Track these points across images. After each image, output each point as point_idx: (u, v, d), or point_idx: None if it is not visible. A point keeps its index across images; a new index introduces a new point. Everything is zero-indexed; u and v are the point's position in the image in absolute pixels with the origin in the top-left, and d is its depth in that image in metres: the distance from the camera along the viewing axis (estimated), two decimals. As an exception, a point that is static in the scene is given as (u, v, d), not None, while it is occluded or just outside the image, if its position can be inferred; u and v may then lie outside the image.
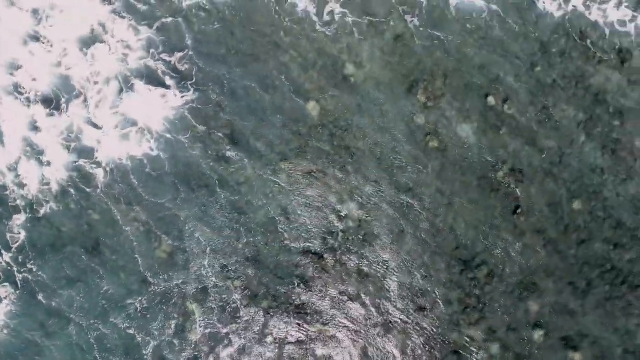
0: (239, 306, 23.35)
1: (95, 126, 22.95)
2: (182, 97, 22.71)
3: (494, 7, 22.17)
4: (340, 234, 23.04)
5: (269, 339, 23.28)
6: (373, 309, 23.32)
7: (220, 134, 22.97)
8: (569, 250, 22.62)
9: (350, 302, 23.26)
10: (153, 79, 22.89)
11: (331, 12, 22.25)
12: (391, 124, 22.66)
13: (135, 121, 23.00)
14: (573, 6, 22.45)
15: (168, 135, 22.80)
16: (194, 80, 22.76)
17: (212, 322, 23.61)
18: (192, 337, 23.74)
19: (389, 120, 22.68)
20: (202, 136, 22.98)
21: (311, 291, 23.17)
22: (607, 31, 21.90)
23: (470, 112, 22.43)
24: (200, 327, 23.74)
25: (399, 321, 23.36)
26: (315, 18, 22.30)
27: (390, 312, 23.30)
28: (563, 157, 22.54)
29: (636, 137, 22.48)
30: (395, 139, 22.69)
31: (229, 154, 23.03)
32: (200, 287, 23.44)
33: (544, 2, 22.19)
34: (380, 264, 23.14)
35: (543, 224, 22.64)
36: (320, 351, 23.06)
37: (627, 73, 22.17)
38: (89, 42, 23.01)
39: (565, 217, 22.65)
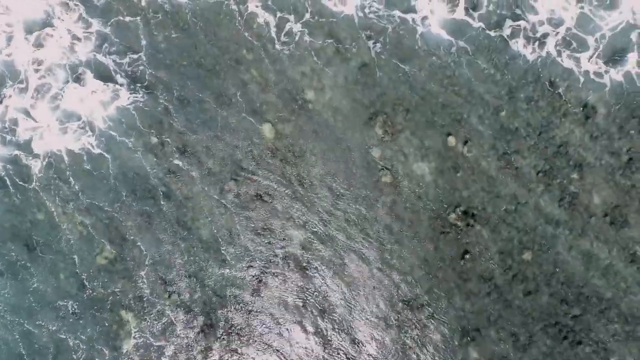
0: (174, 321, 22.72)
1: (33, 116, 22.04)
2: (131, 97, 21.84)
3: (462, 43, 21.55)
4: (281, 261, 22.43)
5: (200, 357, 22.69)
6: (309, 339, 22.79)
7: (170, 145, 22.23)
8: (515, 300, 22.16)
9: (286, 331, 22.71)
10: (102, 74, 21.97)
11: (290, 31, 21.53)
12: (346, 154, 22.02)
13: (77, 115, 22.00)
14: (547, 52, 21.88)
15: (112, 134, 21.95)
16: (145, 84, 21.94)
17: (145, 334, 22.97)
18: (125, 347, 23.10)
19: (344, 150, 22.03)
20: (151, 144, 22.23)
21: (248, 313, 22.57)
22: (580, 81, 21.36)
23: (429, 150, 21.83)
24: (134, 337, 23.10)
25: (334, 353, 22.85)
26: (274, 35, 21.57)
27: (325, 345, 22.77)
28: (519, 206, 22.03)
29: (595, 192, 22.01)
30: (349, 170, 22.05)
31: (178, 165, 22.30)
32: (137, 297, 22.77)
33: (517, 44, 21.59)
34: (319, 295, 22.58)
35: (491, 272, 22.15)
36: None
37: (591, 128, 21.68)
38: (35, 27, 22.04)
39: (514, 266, 22.18)
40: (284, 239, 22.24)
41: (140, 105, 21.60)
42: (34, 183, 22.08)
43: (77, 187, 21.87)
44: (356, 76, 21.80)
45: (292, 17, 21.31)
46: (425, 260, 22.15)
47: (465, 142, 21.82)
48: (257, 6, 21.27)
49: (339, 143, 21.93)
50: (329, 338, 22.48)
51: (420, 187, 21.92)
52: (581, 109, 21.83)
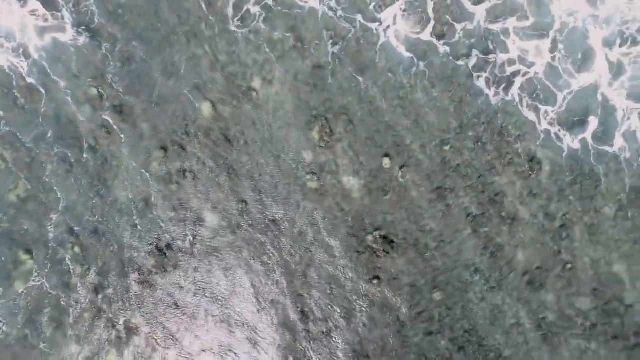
0: (72, 273, 22.30)
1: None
2: (72, 35, 21.17)
3: (422, 66, 20.91)
4: (191, 238, 21.96)
5: (87, 315, 22.27)
6: (194, 319, 22.37)
7: (109, 101, 21.72)
8: (414, 337, 21.64)
9: (176, 308, 22.28)
10: (50, 3, 21.22)
11: (249, 14, 20.94)
12: (279, 150, 21.46)
13: (12, 34, 21.18)
14: (511, 95, 21.23)
15: (47, 69, 21.34)
16: (91, 28, 21.30)
17: (41, 279, 22.55)
18: (18, 288, 22.68)
19: (277, 146, 21.47)
20: (90, 95, 21.70)
21: (144, 283, 22.14)
22: (534, 135, 20.75)
23: (363, 167, 21.23)
24: (33, 280, 22.71)
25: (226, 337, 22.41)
26: (230, 13, 20.98)
27: (210, 329, 22.35)
28: (441, 244, 21.45)
29: (520, 249, 21.42)
30: (278, 167, 21.49)
31: (110, 123, 21.80)
32: (41, 240, 22.32)
33: (482, 81, 20.90)
34: (217, 283, 22.13)
35: (397, 303, 21.62)
36: (136, 340, 22.11)
37: (532, 184, 21.04)
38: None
39: (422, 303, 21.64)
40: (197, 220, 21.75)
41: (80, 47, 21.02)
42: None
43: (0, 113, 21.35)
44: (308, 76, 21.18)
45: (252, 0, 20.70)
46: (332, 276, 21.62)
47: (402, 167, 21.21)
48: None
49: (274, 138, 21.36)
50: (218, 327, 22.05)
51: (344, 200, 21.35)
52: (527, 162, 21.17)
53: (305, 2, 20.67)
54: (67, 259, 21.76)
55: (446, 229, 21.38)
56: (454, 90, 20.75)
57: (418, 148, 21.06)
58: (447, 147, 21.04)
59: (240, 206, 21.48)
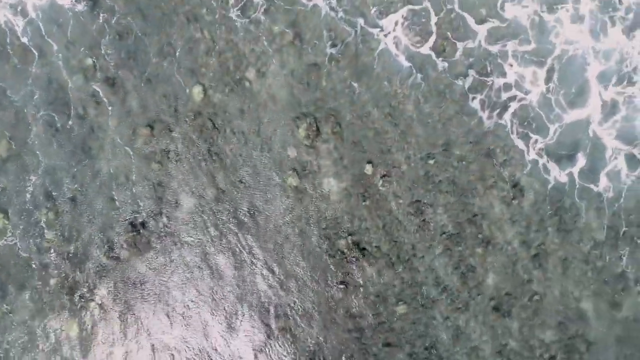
0: (44, 237, 22.32)
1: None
2: (73, 2, 21.16)
3: (419, 78, 20.80)
4: (165, 219, 21.96)
5: (54, 282, 22.30)
6: (158, 300, 22.38)
7: (102, 72, 21.71)
8: (373, 347, 21.60)
9: (142, 287, 22.30)
10: None
11: (251, 1, 20.87)
12: (263, 143, 21.41)
13: None
14: (504, 121, 21.13)
15: (41, 32, 21.32)
16: None
17: (14, 239, 22.58)
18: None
19: (263, 139, 21.42)
20: (85, 64, 21.70)
21: (114, 258, 22.17)
22: (520, 162, 20.65)
23: (345, 170, 21.15)
24: (5, 239, 22.76)
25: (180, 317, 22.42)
26: (232, 0, 20.92)
27: (169, 315, 22.35)
28: (413, 258, 21.38)
29: (491, 273, 21.35)
30: (261, 160, 21.44)
31: (100, 94, 21.79)
32: (18, 201, 22.34)
33: (477, 102, 20.78)
34: (185, 270, 22.13)
35: (361, 310, 21.58)
36: (99, 313, 22.14)
37: (513, 210, 20.93)
38: None
39: (385, 314, 21.58)
40: (174, 202, 21.75)
41: (78, 14, 21.00)
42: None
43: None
44: (302, 73, 21.10)
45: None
46: (300, 275, 21.58)
47: (383, 176, 21.13)
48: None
49: (260, 130, 21.30)
50: (181, 317, 22.07)
51: (322, 202, 21.29)
52: (511, 188, 21.06)
53: (309, 0, 20.57)
54: (41, 223, 21.78)
55: (420, 244, 21.29)
56: (446, 106, 20.64)
57: (402, 159, 20.97)
58: (431, 162, 20.94)
59: (218, 195, 21.44)
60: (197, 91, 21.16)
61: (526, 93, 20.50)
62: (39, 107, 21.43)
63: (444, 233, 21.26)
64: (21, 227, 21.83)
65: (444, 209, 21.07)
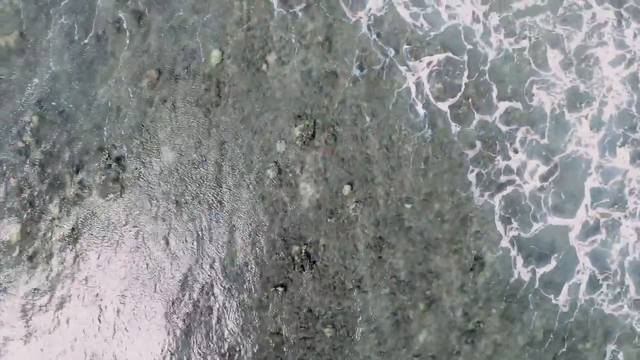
0: (22, 138, 22.35)
1: None
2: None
3: (429, 130, 20.84)
4: (140, 163, 21.98)
5: (14, 182, 22.33)
6: (118, 247, 22.40)
7: (131, 3, 21.76)
8: (288, 357, 21.60)
9: (103, 229, 22.32)
10: None
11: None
12: (258, 129, 21.44)
13: None
14: (493, 201, 21.14)
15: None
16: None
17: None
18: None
19: (259, 125, 21.47)
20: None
21: (83, 188, 22.20)
22: (496, 247, 20.69)
23: (325, 182, 21.18)
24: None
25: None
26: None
27: (125, 262, 22.38)
28: (356, 289, 21.42)
29: (425, 331, 21.34)
30: (249, 144, 21.48)
31: (124, 22, 21.82)
32: (9, 95, 22.34)
33: (473, 176, 20.79)
34: (144, 225, 22.14)
35: (290, 318, 21.58)
36: (49, 234, 22.15)
37: (465, 280, 20.96)
38: None
39: (310, 330, 21.60)
40: (156, 151, 21.79)
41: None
42: None
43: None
44: (319, 77, 21.15)
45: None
46: (242, 265, 21.58)
47: (358, 201, 21.14)
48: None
49: (259, 115, 21.35)
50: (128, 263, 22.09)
51: (292, 203, 21.31)
52: (473, 259, 21.07)
53: (353, 16, 20.60)
54: (25, 125, 21.84)
55: (368, 279, 21.30)
56: (441, 162, 20.65)
57: (382, 193, 20.99)
58: (408, 206, 20.95)
59: (199, 159, 21.49)
60: (215, 55, 21.22)
61: (523, 183, 20.51)
62: (62, 14, 21.48)
63: (395, 277, 21.26)
64: (7, 122, 21.87)
65: (402, 255, 21.09)
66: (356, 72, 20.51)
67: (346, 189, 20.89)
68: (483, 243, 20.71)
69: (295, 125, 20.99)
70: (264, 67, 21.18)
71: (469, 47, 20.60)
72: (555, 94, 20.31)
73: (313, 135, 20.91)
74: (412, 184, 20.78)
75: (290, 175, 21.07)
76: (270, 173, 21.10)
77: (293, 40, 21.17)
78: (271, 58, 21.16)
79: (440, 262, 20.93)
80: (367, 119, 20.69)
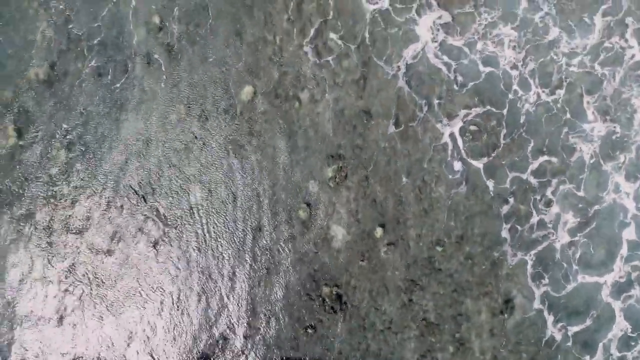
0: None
1: None
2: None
3: (464, 184, 20.70)
4: (167, 200, 21.71)
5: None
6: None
7: (163, 36, 21.41)
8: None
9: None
10: None
11: (325, 42, 20.64)
12: (289, 166, 21.17)
13: None
14: (528, 256, 21.00)
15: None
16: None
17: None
18: None
19: (291, 162, 21.21)
20: (150, 21, 21.40)
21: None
22: (531, 295, 20.57)
23: (356, 224, 20.98)
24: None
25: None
26: (311, 33, 20.68)
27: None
28: (386, 331, 21.24)
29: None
30: (281, 181, 21.24)
31: (155, 57, 21.48)
32: (36, 127, 21.95)
33: (506, 231, 20.67)
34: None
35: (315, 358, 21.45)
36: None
37: (496, 324, 20.85)
38: None
39: (338, 372, 21.47)
40: (186, 190, 21.48)
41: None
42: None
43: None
44: (353, 116, 20.92)
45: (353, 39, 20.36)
46: (274, 302, 21.39)
47: (389, 244, 20.98)
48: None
49: (292, 153, 21.10)
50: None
51: (322, 245, 21.12)
52: (503, 302, 21.00)
53: (392, 70, 20.39)
54: (54, 158, 21.44)
55: (398, 320, 21.18)
56: (474, 205, 20.54)
57: (414, 235, 20.83)
58: (439, 249, 20.82)
59: (229, 198, 21.23)
60: (247, 91, 20.92)
61: (558, 239, 20.41)
62: (94, 47, 21.13)
63: (425, 319, 21.15)
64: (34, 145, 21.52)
65: (432, 297, 20.97)
66: (391, 128, 20.35)
67: (379, 231, 20.72)
68: (513, 285, 20.63)
69: (328, 165, 20.75)
70: (297, 104, 20.91)
71: (505, 99, 20.44)
72: (591, 142, 20.21)
73: (346, 176, 20.69)
74: (443, 226, 20.64)
75: (322, 216, 20.86)
76: (302, 214, 20.87)
77: (326, 78, 20.90)
78: (304, 96, 20.90)
79: (470, 304, 20.84)
80: (400, 159, 20.48)
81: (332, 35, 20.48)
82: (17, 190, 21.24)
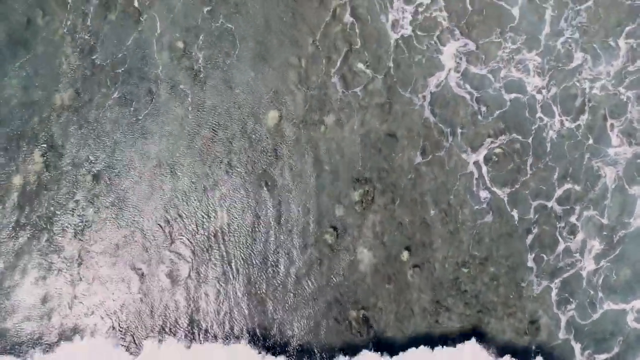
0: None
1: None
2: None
3: (489, 219, 20.89)
4: (199, 229, 21.79)
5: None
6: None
7: (187, 60, 21.51)
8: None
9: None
10: None
11: (354, 72, 20.80)
12: (314, 190, 21.27)
13: None
14: (553, 283, 21.16)
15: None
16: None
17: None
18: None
19: (317, 187, 21.33)
20: (174, 46, 21.47)
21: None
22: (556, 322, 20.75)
23: (383, 247, 21.08)
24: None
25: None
26: (337, 64, 20.80)
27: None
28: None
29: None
30: (306, 205, 21.33)
31: (180, 81, 21.54)
32: (61, 151, 21.93)
33: (531, 259, 20.89)
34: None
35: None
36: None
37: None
38: None
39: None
40: (213, 213, 21.56)
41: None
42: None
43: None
44: (378, 139, 21.06)
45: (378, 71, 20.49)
46: (304, 326, 21.49)
47: (415, 266, 21.14)
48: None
49: (318, 178, 21.21)
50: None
51: (349, 268, 21.25)
52: (528, 322, 21.21)
53: (418, 100, 20.58)
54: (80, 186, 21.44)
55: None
56: (499, 227, 20.75)
57: (439, 257, 21.01)
58: (465, 270, 21.00)
59: (255, 223, 21.32)
60: (272, 116, 21.03)
61: (583, 268, 20.64)
62: (118, 75, 21.20)
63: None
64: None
65: (458, 318, 21.15)
66: (418, 158, 20.56)
67: (405, 254, 20.90)
68: (539, 305, 20.84)
69: (354, 189, 20.89)
70: (322, 128, 21.05)
71: (529, 126, 20.67)
72: (614, 165, 20.45)
73: (372, 200, 20.85)
74: (469, 248, 20.84)
75: (349, 239, 21.02)
76: (329, 238, 21.01)
77: (352, 102, 21.05)
78: (330, 119, 21.03)
79: (495, 324, 21.04)
80: (426, 183, 20.65)
81: (360, 65, 20.65)
82: (44, 224, 21.32)
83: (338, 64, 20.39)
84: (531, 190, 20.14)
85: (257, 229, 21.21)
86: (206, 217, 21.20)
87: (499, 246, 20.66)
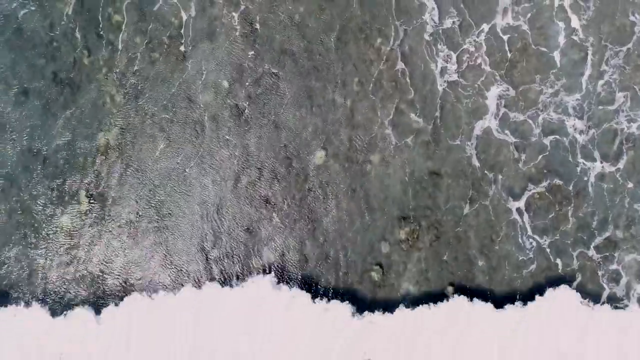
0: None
1: None
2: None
3: (533, 268, 21.25)
4: (238, 268, 21.94)
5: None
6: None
7: (231, 99, 21.66)
8: None
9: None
10: None
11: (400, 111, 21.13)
12: (360, 229, 21.61)
13: None
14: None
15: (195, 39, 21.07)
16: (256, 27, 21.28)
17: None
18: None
19: (363, 225, 21.67)
20: (218, 85, 21.58)
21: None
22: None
23: (427, 282, 21.53)
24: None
25: None
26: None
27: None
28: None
29: None
30: (353, 244, 21.66)
31: (224, 121, 21.66)
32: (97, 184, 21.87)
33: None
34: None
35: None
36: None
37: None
38: None
39: None
40: (257, 253, 21.74)
41: (235, 38, 20.97)
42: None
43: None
44: (422, 177, 21.48)
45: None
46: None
47: (460, 305, 21.58)
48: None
49: (364, 215, 21.56)
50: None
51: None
52: (566, 353, 21.74)
53: (461, 145, 20.99)
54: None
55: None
56: (540, 262, 21.31)
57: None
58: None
59: (300, 260, 21.58)
60: (319, 155, 21.31)
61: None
62: (161, 120, 21.27)
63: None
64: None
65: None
66: (465, 208, 21.04)
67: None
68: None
69: (401, 228, 21.29)
70: (368, 167, 21.41)
71: (570, 171, 21.24)
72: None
73: (418, 238, 21.28)
74: (510, 282, 21.41)
75: (393, 275, 21.42)
76: (375, 275, 21.39)
77: (396, 141, 21.43)
78: (375, 158, 21.40)
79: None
80: (470, 218, 21.12)
81: (412, 116, 21.05)
82: (99, 274, 21.34)
83: (392, 115, 20.74)
84: (572, 239, 20.65)
85: (304, 268, 21.48)
86: (249, 258, 21.37)
87: (541, 282, 21.18)
